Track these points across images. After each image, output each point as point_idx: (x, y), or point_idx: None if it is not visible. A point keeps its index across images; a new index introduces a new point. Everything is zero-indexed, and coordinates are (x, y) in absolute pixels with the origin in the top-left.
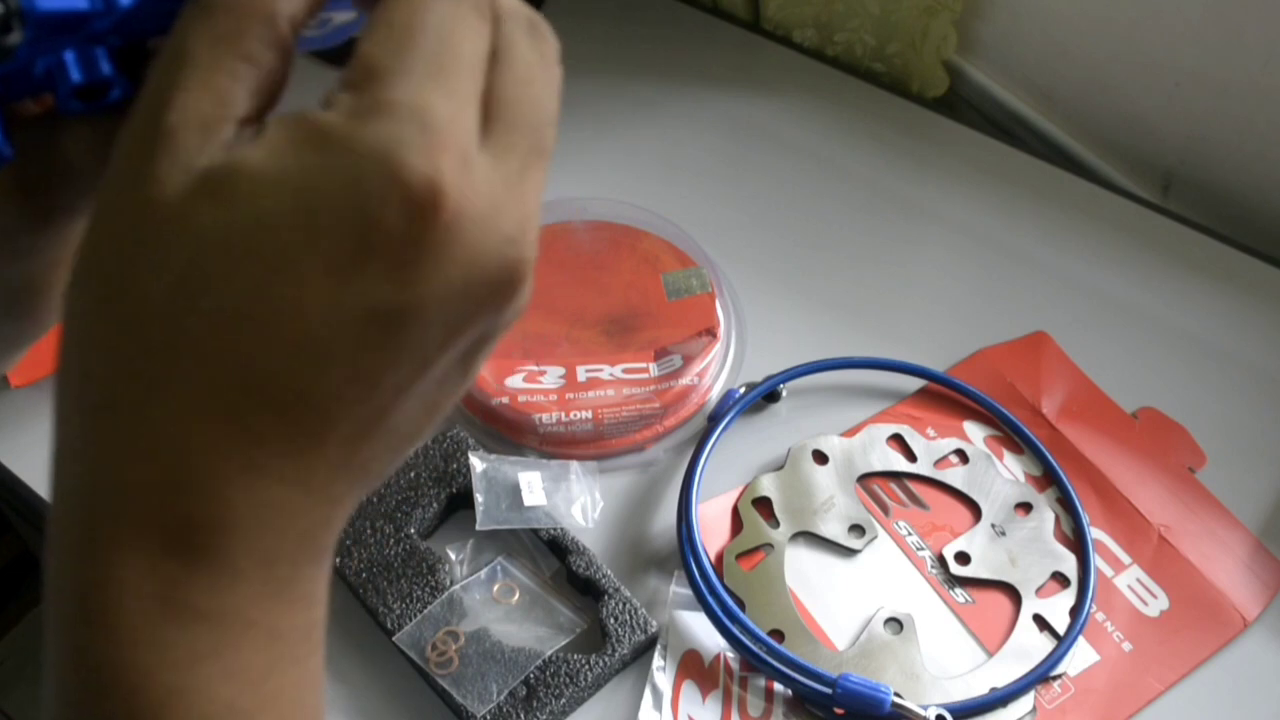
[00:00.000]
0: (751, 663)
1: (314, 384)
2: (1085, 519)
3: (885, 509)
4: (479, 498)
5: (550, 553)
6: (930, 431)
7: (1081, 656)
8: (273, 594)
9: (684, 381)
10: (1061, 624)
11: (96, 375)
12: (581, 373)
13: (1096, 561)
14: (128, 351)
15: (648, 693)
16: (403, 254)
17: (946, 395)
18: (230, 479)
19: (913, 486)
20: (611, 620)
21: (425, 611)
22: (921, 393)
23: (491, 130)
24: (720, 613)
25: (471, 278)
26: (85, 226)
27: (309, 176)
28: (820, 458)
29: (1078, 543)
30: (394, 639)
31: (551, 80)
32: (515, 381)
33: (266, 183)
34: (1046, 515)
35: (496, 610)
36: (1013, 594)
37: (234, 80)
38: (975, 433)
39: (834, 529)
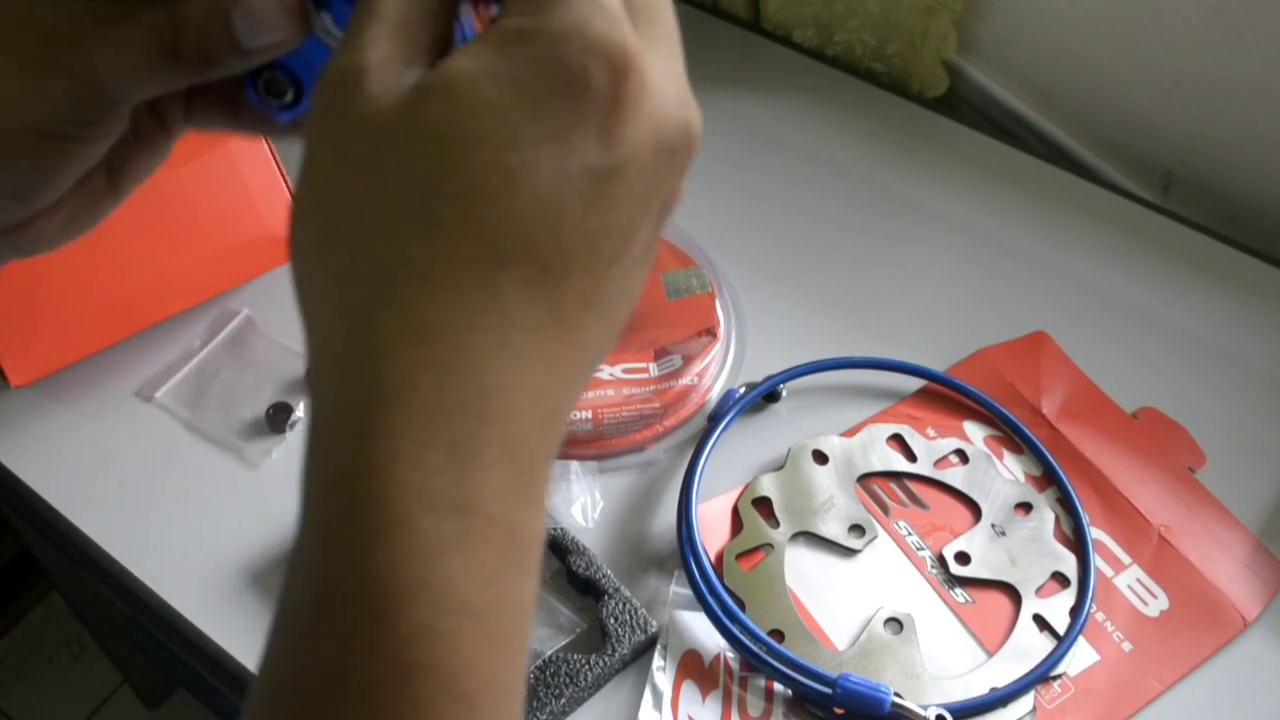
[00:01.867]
0: (751, 663)
1: (554, 247)
2: (1085, 519)
3: (885, 509)
4: None
5: (550, 553)
6: (930, 431)
7: (1081, 656)
8: (513, 489)
9: (684, 381)
10: (1061, 624)
11: (355, 279)
12: None
13: (1096, 561)
14: (384, 252)
15: (648, 693)
16: (609, 115)
17: (946, 395)
18: (489, 358)
19: (913, 486)
20: (611, 620)
21: None
22: (921, 393)
23: (636, 22)
24: (720, 613)
25: (661, 135)
26: (303, 172)
27: (518, 64)
28: (820, 458)
29: (1078, 543)
30: None
31: None
32: None
33: (482, 77)
34: (1046, 515)
35: None
36: (1013, 594)
37: (423, 30)
38: (975, 433)
39: (834, 529)
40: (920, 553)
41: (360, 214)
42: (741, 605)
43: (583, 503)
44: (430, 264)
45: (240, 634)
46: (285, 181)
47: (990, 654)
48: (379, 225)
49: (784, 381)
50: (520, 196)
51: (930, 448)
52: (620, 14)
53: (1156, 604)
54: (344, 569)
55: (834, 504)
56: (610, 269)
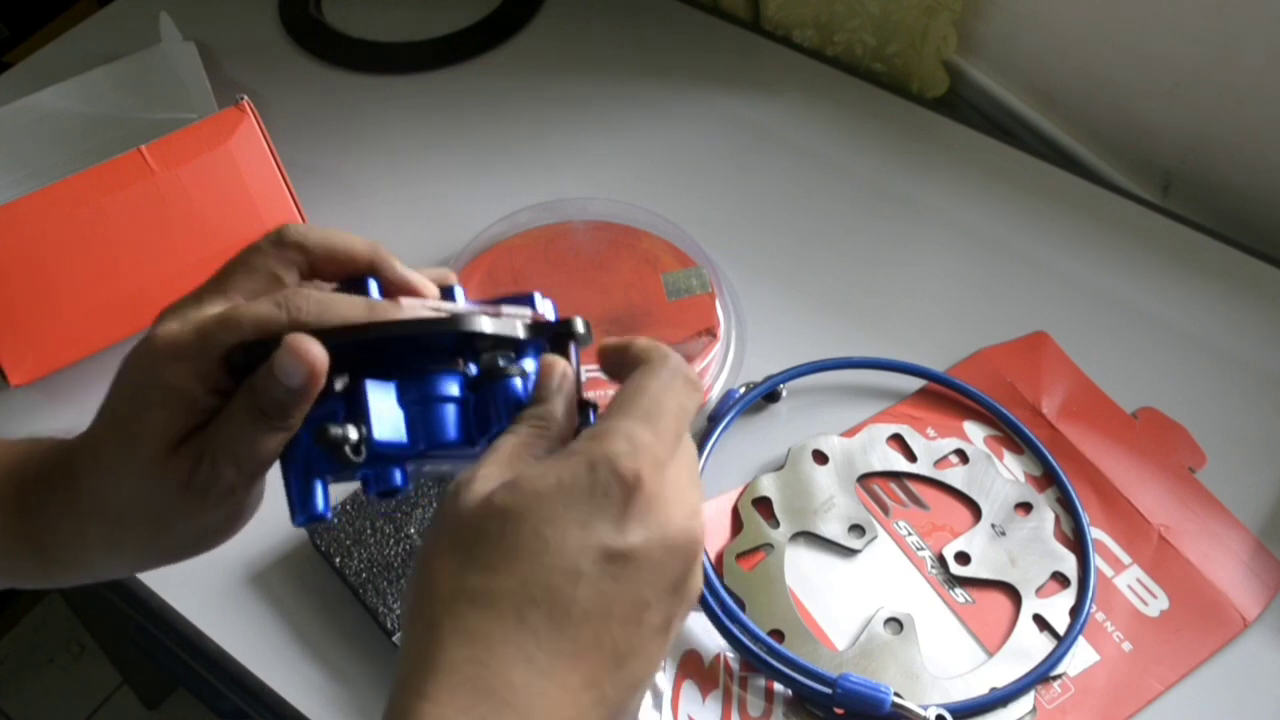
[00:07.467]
0: (751, 663)
1: (572, 595)
2: (1085, 519)
3: (885, 509)
4: None
5: None
6: (930, 431)
7: (1081, 656)
8: None
9: None
10: (1061, 624)
11: (433, 598)
12: (581, 373)
13: (1096, 561)
14: (454, 582)
15: (647, 693)
16: (620, 514)
17: (946, 395)
18: (515, 663)
19: (913, 486)
20: None
21: None
22: (921, 393)
23: (664, 454)
24: (720, 613)
25: (666, 535)
26: (427, 537)
27: (564, 471)
28: (820, 458)
29: (1078, 543)
30: (394, 639)
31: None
32: None
33: (540, 477)
34: (1046, 515)
35: None
36: (1013, 594)
37: (525, 454)
38: (975, 433)
39: (834, 529)
40: (920, 553)
41: (441, 555)
42: (741, 605)
43: None
44: (482, 593)
45: (240, 634)
46: (285, 181)
47: (990, 654)
48: (453, 564)
49: (784, 381)
50: (550, 555)
51: (930, 448)
52: (646, 451)
53: (1156, 604)
54: None
55: (834, 504)
56: (624, 627)
